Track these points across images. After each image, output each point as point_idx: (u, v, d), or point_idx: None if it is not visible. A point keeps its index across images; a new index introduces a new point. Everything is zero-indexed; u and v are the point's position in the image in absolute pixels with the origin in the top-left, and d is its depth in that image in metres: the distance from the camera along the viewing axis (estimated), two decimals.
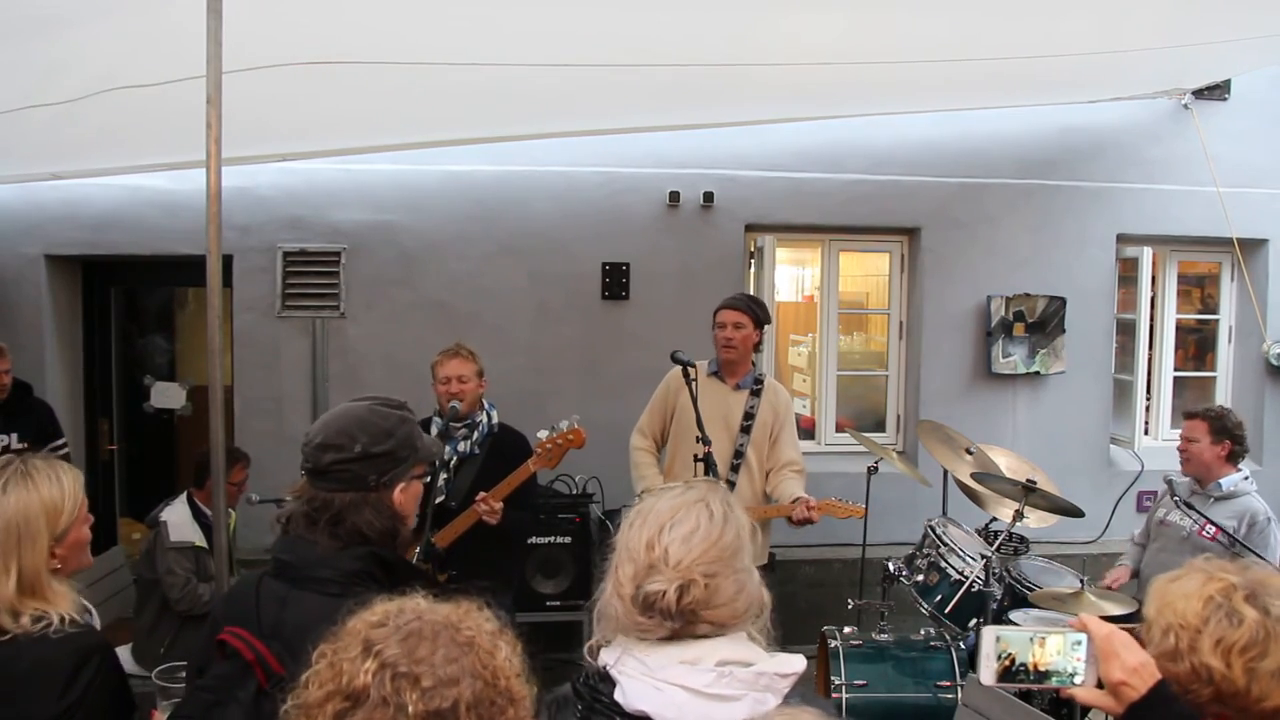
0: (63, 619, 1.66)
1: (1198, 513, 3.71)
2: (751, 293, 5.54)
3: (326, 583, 1.56)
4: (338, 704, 1.07)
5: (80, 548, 1.79)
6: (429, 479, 1.87)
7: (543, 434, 3.44)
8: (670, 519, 1.38)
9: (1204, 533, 3.73)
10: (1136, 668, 1.46)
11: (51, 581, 1.70)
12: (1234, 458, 3.81)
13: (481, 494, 3.35)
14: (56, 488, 1.74)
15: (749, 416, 3.87)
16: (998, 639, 1.51)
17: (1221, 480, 3.77)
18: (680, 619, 1.33)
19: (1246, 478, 3.81)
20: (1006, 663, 1.51)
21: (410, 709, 1.04)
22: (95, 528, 1.89)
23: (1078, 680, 1.50)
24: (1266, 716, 1.43)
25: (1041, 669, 1.50)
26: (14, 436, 4.11)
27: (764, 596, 1.41)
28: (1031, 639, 1.51)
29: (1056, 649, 1.50)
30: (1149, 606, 1.57)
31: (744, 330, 3.84)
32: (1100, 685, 1.49)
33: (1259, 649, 1.43)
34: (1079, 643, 1.50)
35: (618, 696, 1.33)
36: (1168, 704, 1.45)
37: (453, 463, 3.52)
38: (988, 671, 1.51)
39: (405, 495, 1.70)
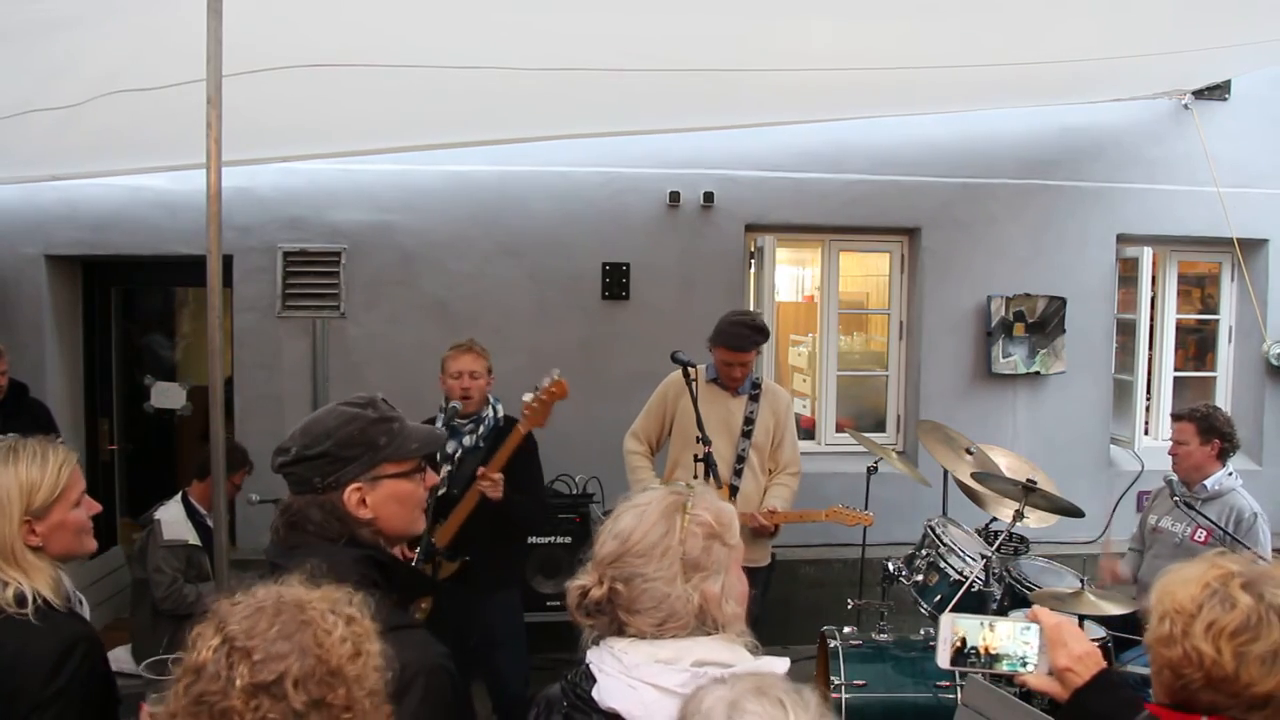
0: (40, 597, 1.69)
1: (1196, 512, 3.71)
2: (751, 292, 5.56)
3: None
4: (188, 678, 1.11)
5: (67, 530, 1.81)
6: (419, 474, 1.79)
7: (527, 396, 3.44)
8: (613, 517, 1.42)
9: (1195, 537, 3.73)
10: (1081, 655, 1.54)
11: (26, 554, 1.73)
12: (1224, 455, 3.80)
13: (481, 469, 3.37)
14: (37, 467, 1.78)
15: (749, 421, 3.88)
16: (953, 623, 1.62)
17: (1206, 481, 3.77)
18: (594, 613, 1.37)
19: (1231, 474, 3.81)
20: (958, 644, 1.60)
21: (239, 682, 1.08)
22: (95, 528, 1.90)
23: (1030, 667, 1.58)
24: (1256, 702, 1.44)
25: (991, 652, 1.60)
26: (10, 437, 4.11)
27: (725, 609, 1.37)
28: (981, 624, 1.62)
29: (1006, 634, 1.60)
30: (1152, 595, 1.59)
31: (749, 365, 3.84)
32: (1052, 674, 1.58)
33: (1250, 634, 1.44)
34: (1028, 628, 1.60)
35: (594, 693, 1.34)
36: (1110, 690, 1.52)
37: (457, 455, 3.54)
38: (943, 654, 1.61)
39: (375, 495, 1.62)
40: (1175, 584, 1.54)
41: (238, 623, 1.13)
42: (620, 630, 1.36)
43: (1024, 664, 1.58)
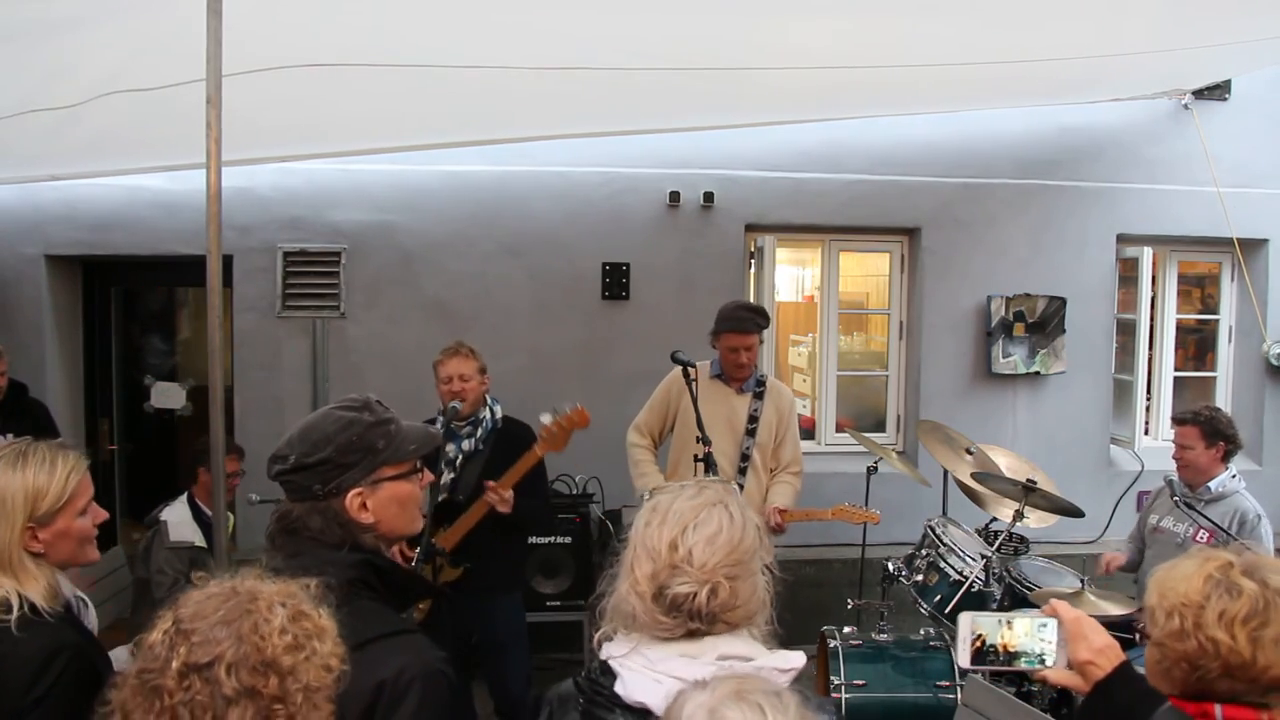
0: (27, 605, 1.66)
1: (1197, 512, 3.70)
2: (751, 292, 5.56)
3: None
4: (142, 655, 1.16)
5: (70, 538, 1.79)
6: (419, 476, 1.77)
7: (546, 418, 3.43)
8: (693, 520, 1.39)
9: (1198, 538, 3.72)
10: (1102, 648, 1.54)
11: (25, 560, 1.71)
12: (1228, 456, 3.78)
13: (490, 483, 3.36)
14: (45, 473, 1.75)
15: (753, 419, 3.87)
16: (972, 622, 1.62)
17: (1210, 484, 3.76)
18: (706, 620, 1.36)
19: (1234, 476, 3.79)
20: (977, 644, 1.60)
21: (175, 663, 1.12)
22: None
23: (1048, 663, 1.58)
24: (1274, 685, 1.47)
25: (1011, 650, 1.59)
26: (9, 437, 4.10)
27: (768, 597, 1.44)
28: (1000, 621, 1.61)
29: (1024, 631, 1.59)
30: (1150, 595, 1.60)
31: (754, 349, 3.84)
32: (1070, 668, 1.57)
33: (1260, 618, 1.47)
34: (1045, 625, 1.59)
35: (618, 688, 1.35)
36: (1132, 682, 1.52)
37: (458, 460, 3.53)
38: (963, 653, 1.61)
39: (375, 499, 1.61)
40: (1175, 579, 1.55)
41: (188, 606, 1.17)
42: (705, 630, 1.37)
43: (1042, 660, 1.58)
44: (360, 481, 1.60)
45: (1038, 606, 3.64)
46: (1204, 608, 1.49)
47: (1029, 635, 1.59)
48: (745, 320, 3.79)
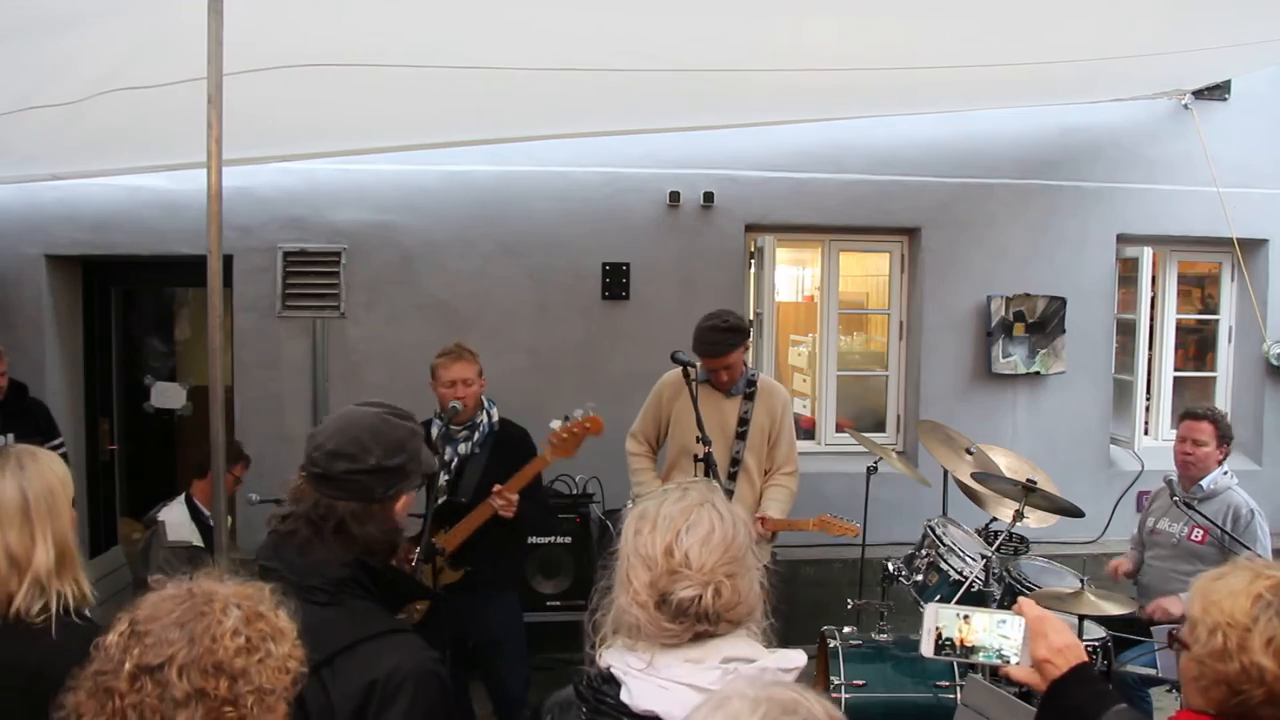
0: (68, 610, 1.69)
1: (1196, 512, 3.70)
2: (751, 292, 5.56)
3: (314, 591, 1.53)
4: (100, 657, 1.16)
5: (74, 528, 1.84)
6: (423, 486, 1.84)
7: (556, 424, 3.40)
8: (684, 523, 1.38)
9: (1193, 537, 3.73)
10: (1061, 648, 1.54)
11: (78, 553, 1.76)
12: (1223, 460, 3.82)
13: (497, 486, 3.34)
14: (59, 464, 1.82)
15: (743, 422, 3.84)
16: (936, 613, 1.64)
17: (1202, 481, 3.76)
18: (712, 620, 1.35)
19: (1226, 472, 3.80)
20: (935, 635, 1.62)
21: (127, 665, 1.12)
22: (95, 528, 1.92)
23: (1011, 659, 1.59)
24: None
25: (968, 645, 1.61)
26: (10, 437, 4.11)
27: (762, 591, 1.44)
28: (957, 615, 1.63)
29: (983, 627, 1.61)
30: (1193, 605, 1.55)
31: (736, 365, 3.77)
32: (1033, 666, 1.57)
33: None
34: (1005, 621, 1.60)
35: (624, 697, 1.33)
36: (1087, 682, 1.52)
37: (454, 464, 3.52)
38: (927, 643, 1.63)
39: (398, 507, 1.71)
40: (1221, 595, 1.49)
41: (144, 608, 1.17)
42: (707, 633, 1.36)
43: (1001, 656, 1.58)
44: (408, 490, 1.71)
45: None
46: (1250, 630, 1.42)
47: (987, 631, 1.60)
48: (717, 344, 3.68)
